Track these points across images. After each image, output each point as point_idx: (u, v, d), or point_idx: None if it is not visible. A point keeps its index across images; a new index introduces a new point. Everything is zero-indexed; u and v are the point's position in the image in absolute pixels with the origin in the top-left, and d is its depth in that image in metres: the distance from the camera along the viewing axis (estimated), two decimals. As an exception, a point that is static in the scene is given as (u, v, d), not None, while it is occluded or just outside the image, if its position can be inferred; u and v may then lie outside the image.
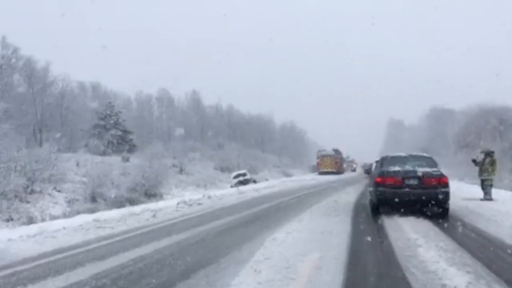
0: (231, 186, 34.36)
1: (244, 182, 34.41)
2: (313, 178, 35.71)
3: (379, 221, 9.91)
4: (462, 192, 16.16)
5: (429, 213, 10.12)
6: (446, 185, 10.03)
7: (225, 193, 20.43)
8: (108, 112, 41.51)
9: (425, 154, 13.09)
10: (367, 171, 34.30)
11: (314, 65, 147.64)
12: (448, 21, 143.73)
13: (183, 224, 10.66)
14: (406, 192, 10.08)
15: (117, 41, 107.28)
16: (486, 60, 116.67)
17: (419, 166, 10.68)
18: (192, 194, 23.78)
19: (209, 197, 17.75)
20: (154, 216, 12.09)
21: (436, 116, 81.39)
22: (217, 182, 37.98)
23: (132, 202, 21.71)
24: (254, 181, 35.24)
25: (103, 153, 38.35)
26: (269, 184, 27.42)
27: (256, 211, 12.97)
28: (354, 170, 68.56)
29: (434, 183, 10.03)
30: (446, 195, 9.95)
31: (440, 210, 10.22)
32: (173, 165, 37.39)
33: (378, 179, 10.60)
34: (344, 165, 62.57)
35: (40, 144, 42.84)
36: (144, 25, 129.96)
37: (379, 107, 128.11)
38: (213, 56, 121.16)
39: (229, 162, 46.94)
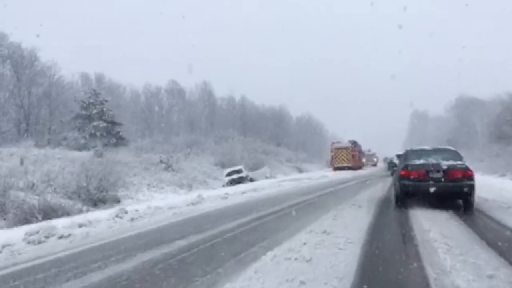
0: (223, 186, 27.38)
1: (238, 181, 27.28)
2: (323, 176, 28.14)
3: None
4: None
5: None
6: (471, 178, 9.56)
7: (180, 202, 13.24)
8: (91, 100, 34.84)
9: (449, 147, 12.11)
10: (392, 165, 26.48)
11: (333, 55, 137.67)
12: (473, 8, 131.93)
13: None
14: (430, 185, 9.62)
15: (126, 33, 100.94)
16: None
17: (443, 159, 10.25)
18: (160, 199, 17.23)
19: (149, 207, 10.72)
20: None
21: (463, 107, 74.85)
22: (211, 180, 30.95)
23: (63, 213, 14.86)
24: (251, 180, 28.06)
25: (84, 148, 31.78)
26: (259, 185, 20.02)
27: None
28: (375, 165, 60.39)
29: (459, 176, 9.56)
30: (471, 188, 9.47)
31: (465, 203, 9.68)
32: (160, 161, 30.46)
33: (403, 172, 10.20)
34: (364, 159, 54.39)
35: (19, 138, 37.24)
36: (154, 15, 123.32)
37: (402, 98, 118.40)
38: (225, 47, 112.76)
39: (232, 157, 39.75)
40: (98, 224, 8.93)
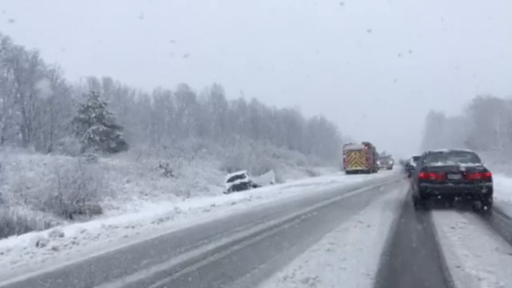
0: (224, 192, 24.85)
1: (240, 187, 24.71)
2: (333, 181, 25.26)
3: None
4: None
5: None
6: (489, 179, 9.57)
7: (149, 217, 10.67)
8: (90, 103, 32.73)
9: (467, 150, 12.22)
10: (409, 168, 24.44)
11: (347, 56, 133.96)
12: (487, 7, 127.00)
13: None
14: (449, 187, 9.67)
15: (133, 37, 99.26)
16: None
17: (461, 161, 10.22)
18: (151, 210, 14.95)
19: (106, 227, 8.26)
20: None
21: (482, 107, 71.26)
22: (214, 186, 28.44)
23: (24, 228, 12.53)
24: (254, 186, 25.42)
25: (82, 153, 29.53)
26: (257, 193, 17.27)
27: None
28: (390, 168, 57.05)
29: (477, 177, 9.57)
30: (490, 189, 9.49)
31: (484, 204, 9.59)
32: (160, 166, 28.07)
33: (422, 175, 10.10)
34: (378, 162, 51.12)
35: (25, 144, 35.48)
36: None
37: (417, 99, 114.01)
38: (237, 50, 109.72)
39: (239, 161, 37.16)
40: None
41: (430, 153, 11.63)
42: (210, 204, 12.67)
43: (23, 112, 38.72)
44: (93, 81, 57.24)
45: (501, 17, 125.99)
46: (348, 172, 38.53)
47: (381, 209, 10.18)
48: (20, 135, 40.04)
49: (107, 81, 58.70)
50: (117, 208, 18.35)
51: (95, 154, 25.94)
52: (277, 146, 60.59)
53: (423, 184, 9.90)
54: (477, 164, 10.02)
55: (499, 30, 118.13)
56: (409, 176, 22.47)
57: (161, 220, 9.74)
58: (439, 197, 9.82)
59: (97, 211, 17.24)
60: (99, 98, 33.61)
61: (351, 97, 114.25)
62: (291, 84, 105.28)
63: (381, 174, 38.94)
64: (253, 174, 32.16)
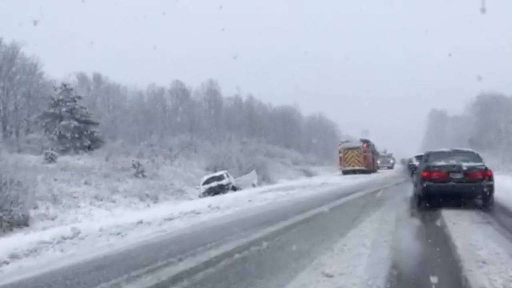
0: (199, 196, 21.20)
1: (218, 190, 20.97)
2: (323, 183, 21.40)
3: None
4: None
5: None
6: (490, 178, 9.59)
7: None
8: (61, 97, 29.09)
9: (469, 149, 11.89)
10: (411, 167, 23.02)
11: (345, 52, 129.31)
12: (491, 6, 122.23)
13: None
14: (451, 186, 9.65)
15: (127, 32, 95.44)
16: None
17: (463, 161, 10.11)
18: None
19: None
20: None
21: (486, 104, 67.09)
22: (191, 188, 24.80)
23: None
24: (234, 188, 21.67)
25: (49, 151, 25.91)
26: (222, 200, 13.42)
27: None
28: (391, 167, 52.99)
29: (479, 176, 9.56)
30: (491, 188, 9.52)
31: (485, 202, 9.67)
32: (133, 166, 24.45)
33: (424, 174, 10.07)
34: (378, 161, 47.03)
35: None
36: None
37: (419, 97, 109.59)
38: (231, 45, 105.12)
39: (227, 160, 33.42)
40: None
41: (432, 153, 11.54)
42: (138, 219, 8.96)
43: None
44: (82, 77, 53.71)
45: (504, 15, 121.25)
46: (345, 172, 34.54)
47: (372, 237, 6.39)
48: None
49: (98, 77, 55.00)
50: (53, 219, 14.64)
51: (54, 152, 22.28)
52: (273, 144, 56.75)
53: (426, 183, 9.83)
54: (478, 164, 10.03)
55: (503, 26, 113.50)
56: (412, 175, 19.55)
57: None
58: (442, 195, 9.72)
59: (24, 223, 13.55)
60: (72, 92, 29.89)
61: (351, 95, 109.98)
62: (289, 82, 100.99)
63: (381, 174, 34.97)
64: (241, 174, 28.41)
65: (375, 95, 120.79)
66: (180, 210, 10.73)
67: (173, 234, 7.72)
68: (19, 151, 28.68)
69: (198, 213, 10.14)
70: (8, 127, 35.74)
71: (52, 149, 26.51)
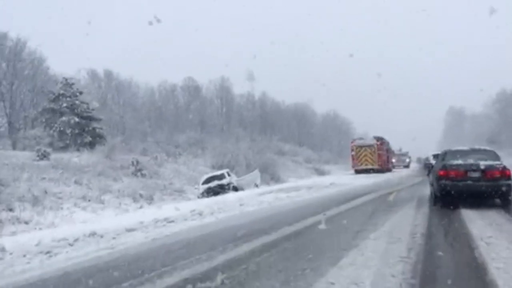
0: (198, 197, 19.55)
1: (217, 190, 19.29)
2: (332, 184, 19.50)
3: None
4: None
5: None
6: (509, 177, 9.32)
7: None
8: (62, 92, 27.83)
9: (487, 148, 11.47)
10: (428, 166, 21.14)
11: (363, 51, 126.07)
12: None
13: None
14: (469, 185, 9.38)
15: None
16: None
17: (481, 159, 9.79)
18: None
19: None
20: None
21: (506, 101, 64.22)
22: (192, 188, 23.15)
23: None
24: (235, 188, 19.91)
25: (50, 147, 24.70)
26: (218, 202, 11.66)
27: None
28: (407, 166, 50.38)
29: (497, 175, 9.31)
30: (509, 187, 9.22)
31: (503, 201, 9.41)
32: (131, 164, 23.01)
33: (441, 172, 9.81)
34: (393, 160, 44.56)
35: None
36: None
37: (436, 94, 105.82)
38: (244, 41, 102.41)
39: (235, 158, 31.78)
40: None
41: (449, 151, 11.26)
42: (92, 230, 7.34)
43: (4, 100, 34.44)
44: (93, 74, 52.77)
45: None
46: (358, 172, 32.40)
47: (374, 266, 4.53)
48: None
49: (109, 74, 53.89)
50: (27, 222, 13.13)
51: (46, 149, 20.93)
52: (286, 142, 54.77)
53: (443, 181, 9.59)
54: (496, 162, 9.75)
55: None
56: (429, 174, 17.89)
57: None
58: (459, 194, 9.41)
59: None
60: (73, 86, 28.60)
61: (367, 92, 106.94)
62: (303, 79, 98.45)
63: (395, 173, 32.77)
64: (249, 173, 26.64)
65: (392, 93, 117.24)
66: (154, 217, 9.08)
67: (116, 254, 5.99)
68: (14, 147, 27.64)
69: (172, 221, 8.47)
70: (15, 123, 35.02)
71: (50, 145, 25.32)
